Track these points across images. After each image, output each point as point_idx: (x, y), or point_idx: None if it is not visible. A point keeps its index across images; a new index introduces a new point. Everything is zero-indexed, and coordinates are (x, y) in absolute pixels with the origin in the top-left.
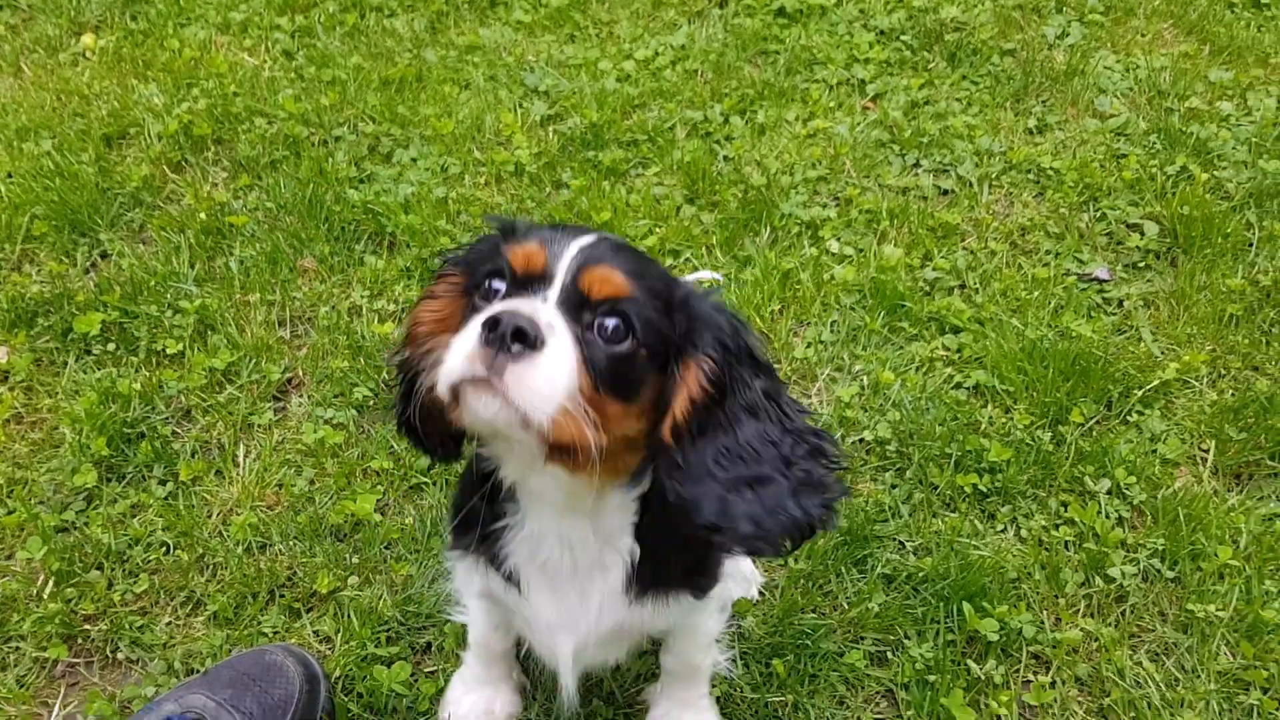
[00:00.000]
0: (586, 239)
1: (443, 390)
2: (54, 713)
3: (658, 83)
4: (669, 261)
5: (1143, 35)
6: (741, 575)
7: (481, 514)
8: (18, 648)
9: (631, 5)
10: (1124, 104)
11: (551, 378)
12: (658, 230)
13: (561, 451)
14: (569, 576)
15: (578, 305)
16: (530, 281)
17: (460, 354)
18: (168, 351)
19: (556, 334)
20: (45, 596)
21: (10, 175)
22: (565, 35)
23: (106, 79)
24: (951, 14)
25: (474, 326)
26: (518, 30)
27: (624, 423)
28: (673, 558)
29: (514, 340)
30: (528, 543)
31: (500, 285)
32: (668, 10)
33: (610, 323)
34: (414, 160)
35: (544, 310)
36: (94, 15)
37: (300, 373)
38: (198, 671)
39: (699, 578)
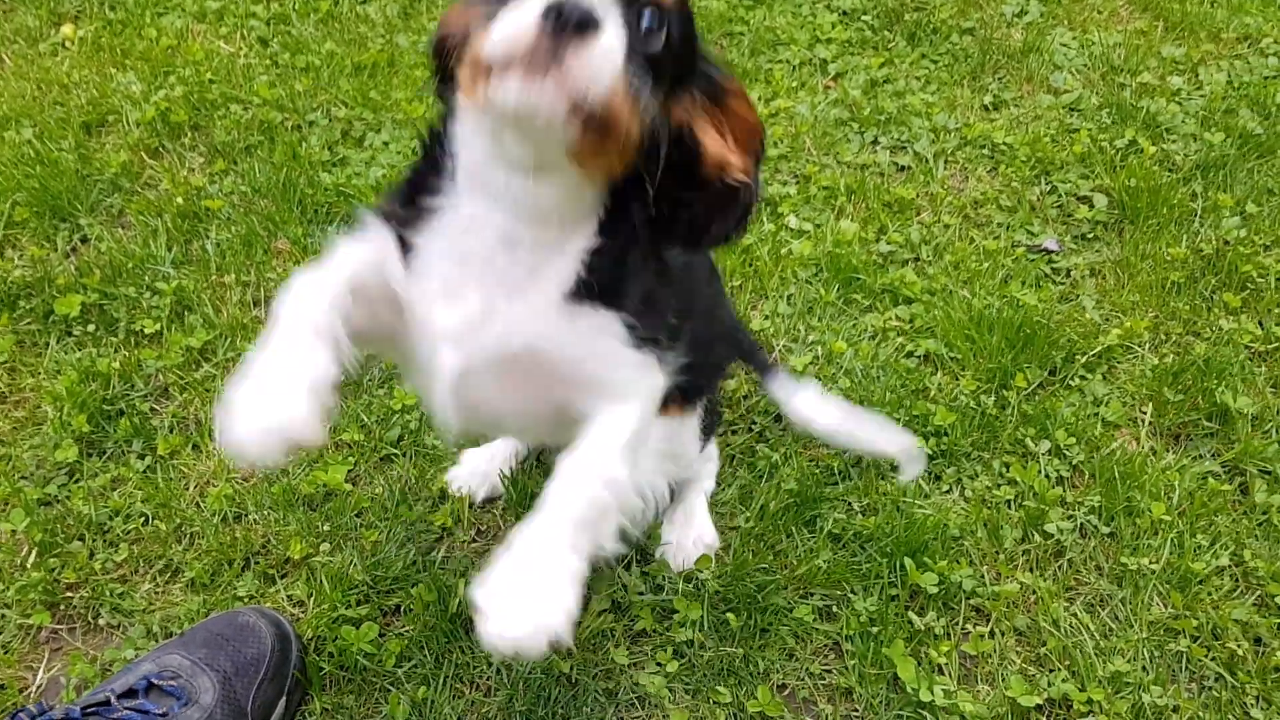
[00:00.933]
0: None
1: (482, 61)
2: (38, 676)
3: None
4: None
5: (1099, 12)
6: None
7: (425, 183)
8: (3, 615)
9: None
10: (1078, 80)
11: (606, 57)
12: None
13: (595, 137)
14: (485, 278)
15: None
16: None
17: (503, 33)
18: (146, 331)
19: (610, 17)
20: (28, 566)
21: None
22: None
23: (86, 68)
24: None
25: (530, 4)
26: None
27: (642, 116)
28: (635, 267)
29: (576, 27)
30: (454, 229)
31: None
32: None
33: (648, 17)
34: (385, 144)
35: None
36: (73, 5)
37: None
38: (176, 635)
39: (647, 315)
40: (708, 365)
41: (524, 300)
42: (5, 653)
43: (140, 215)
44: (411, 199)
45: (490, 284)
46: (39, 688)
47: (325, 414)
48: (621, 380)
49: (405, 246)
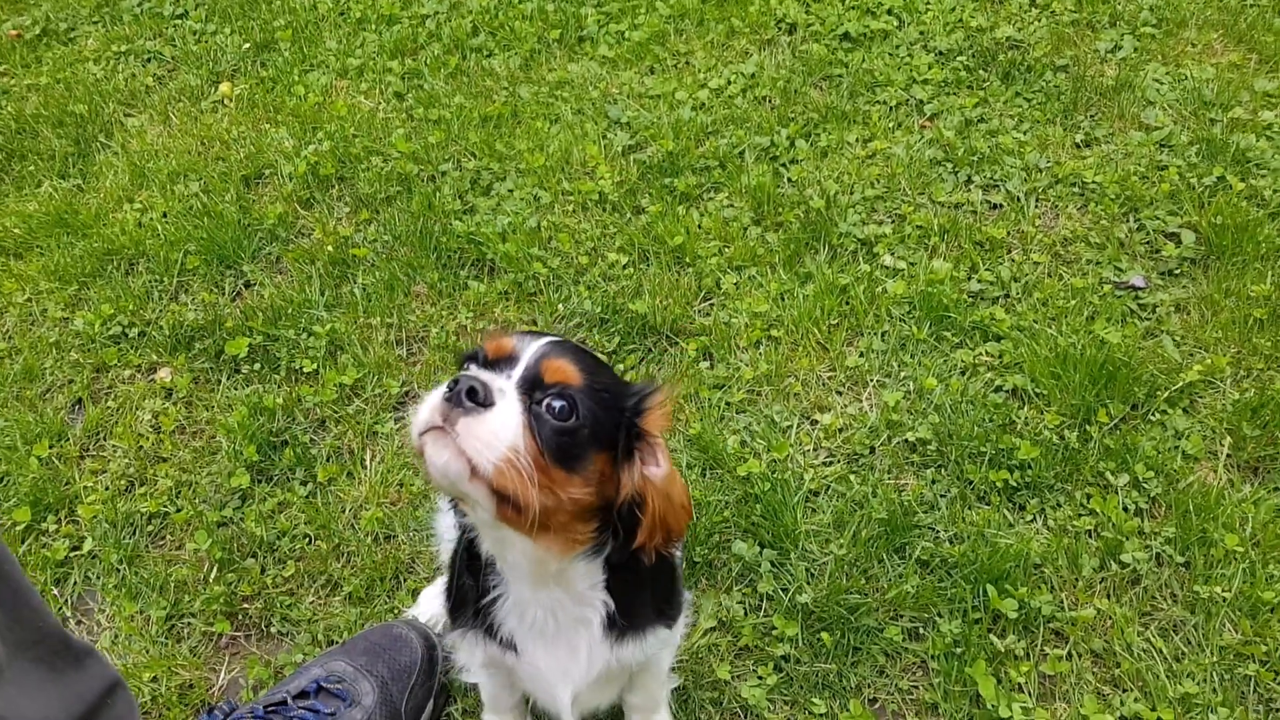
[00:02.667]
0: (553, 339)
1: (414, 440)
2: (220, 676)
3: (729, 110)
4: (734, 278)
5: (1193, 45)
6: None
7: (471, 591)
8: (189, 623)
9: (706, 36)
10: (1169, 116)
11: (496, 430)
12: (726, 250)
13: (508, 505)
14: (555, 634)
15: (532, 385)
16: (498, 364)
17: (425, 408)
18: (304, 370)
19: (507, 398)
20: (210, 581)
21: (165, 215)
22: (646, 68)
23: (243, 124)
24: (1007, 33)
25: (440, 387)
26: (603, 65)
27: (568, 488)
28: (643, 600)
29: (467, 397)
30: (515, 610)
31: (472, 366)
32: (740, 39)
33: (557, 403)
34: (510, 192)
35: (501, 381)
36: (229, 64)
37: (415, 387)
38: (337, 642)
39: (667, 609)
40: None
41: (584, 646)
42: (193, 655)
43: (296, 262)
44: (469, 604)
45: (562, 639)
46: (220, 688)
47: None
48: (664, 650)
49: (490, 630)
